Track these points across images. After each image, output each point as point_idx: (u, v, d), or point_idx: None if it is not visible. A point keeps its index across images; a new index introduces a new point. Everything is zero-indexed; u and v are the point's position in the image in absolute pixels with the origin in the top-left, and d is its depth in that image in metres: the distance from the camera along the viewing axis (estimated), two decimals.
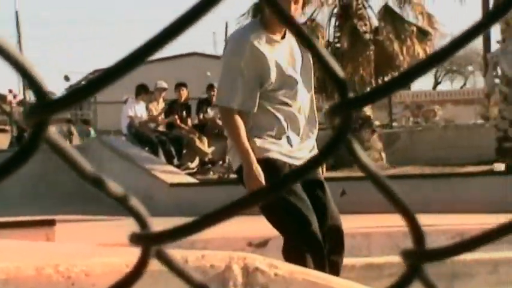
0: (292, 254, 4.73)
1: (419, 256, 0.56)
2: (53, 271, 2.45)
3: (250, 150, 4.83)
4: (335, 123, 0.49)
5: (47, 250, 3.92)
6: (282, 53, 4.99)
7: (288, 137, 5.00)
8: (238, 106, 4.81)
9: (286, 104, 5.00)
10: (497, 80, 16.77)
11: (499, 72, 16.67)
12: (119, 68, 0.55)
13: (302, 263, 4.53)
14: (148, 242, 0.51)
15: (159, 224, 0.60)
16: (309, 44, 0.49)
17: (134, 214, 0.50)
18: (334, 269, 4.85)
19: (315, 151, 5.06)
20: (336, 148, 0.50)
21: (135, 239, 0.51)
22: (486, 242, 0.60)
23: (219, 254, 2.71)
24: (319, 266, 4.65)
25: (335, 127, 0.49)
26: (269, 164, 4.85)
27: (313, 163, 0.51)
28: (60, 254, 3.41)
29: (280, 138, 4.98)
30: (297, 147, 5.03)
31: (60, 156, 0.47)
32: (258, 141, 4.88)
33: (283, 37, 5.00)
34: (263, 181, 4.79)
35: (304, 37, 0.49)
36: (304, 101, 5.05)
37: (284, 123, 4.97)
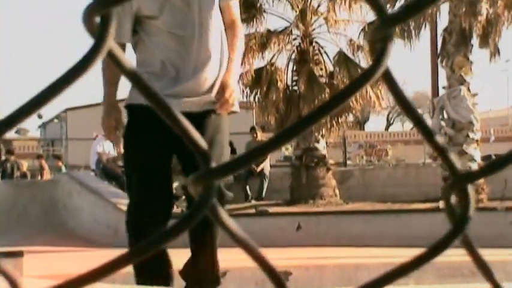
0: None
1: None
2: None
3: (110, 93, 4.00)
4: (198, 191, 0.50)
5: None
6: None
7: (175, 75, 3.94)
8: None
9: (172, 34, 3.93)
10: (443, 123, 16.96)
11: (445, 115, 16.89)
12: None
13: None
14: None
15: None
16: (172, 119, 0.49)
17: (6, 277, 0.50)
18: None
19: (213, 91, 4.04)
20: (199, 215, 0.50)
21: None
22: None
23: None
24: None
25: (198, 195, 0.50)
26: (134, 112, 3.95)
27: (176, 229, 0.51)
28: None
29: (164, 76, 3.93)
30: (187, 86, 3.93)
31: None
32: None
33: None
34: (113, 131, 4.01)
35: (166, 116, 0.49)
36: (199, 29, 3.97)
37: (169, 57, 3.92)
